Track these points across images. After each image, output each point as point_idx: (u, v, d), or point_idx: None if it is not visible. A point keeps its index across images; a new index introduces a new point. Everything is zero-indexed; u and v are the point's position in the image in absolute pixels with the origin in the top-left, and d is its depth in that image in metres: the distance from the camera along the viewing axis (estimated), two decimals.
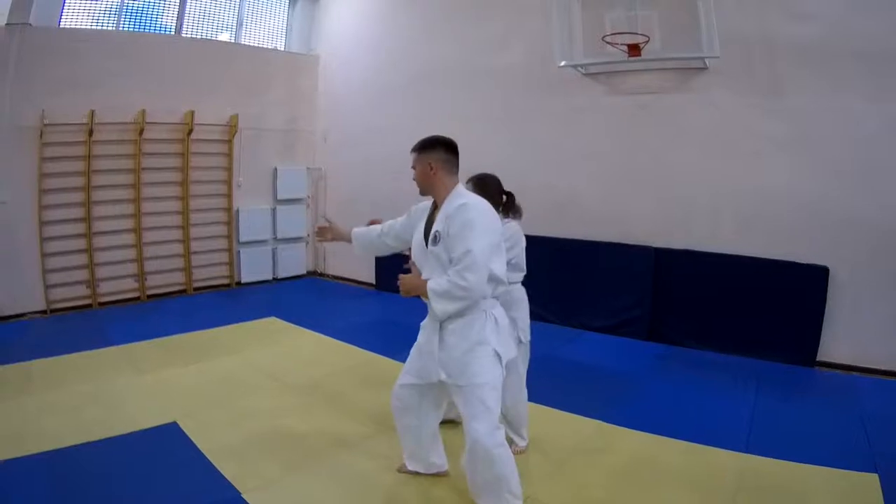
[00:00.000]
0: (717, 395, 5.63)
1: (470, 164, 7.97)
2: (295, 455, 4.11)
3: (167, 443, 4.21)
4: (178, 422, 4.49)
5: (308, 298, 9.31)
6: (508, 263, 3.48)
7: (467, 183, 3.78)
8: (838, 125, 6.24)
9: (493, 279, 3.19)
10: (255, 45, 10.13)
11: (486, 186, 3.93)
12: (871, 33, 5.99)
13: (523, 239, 4.04)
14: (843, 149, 6.22)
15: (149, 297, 8.50)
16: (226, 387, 5.31)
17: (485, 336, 3.16)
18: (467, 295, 3.04)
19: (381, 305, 8.96)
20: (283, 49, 10.55)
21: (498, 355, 3.19)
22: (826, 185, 6.31)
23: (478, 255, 3.01)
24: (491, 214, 3.25)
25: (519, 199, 4.06)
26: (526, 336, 4.11)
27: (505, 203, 4.04)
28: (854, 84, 6.12)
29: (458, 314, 3.17)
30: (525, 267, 4.07)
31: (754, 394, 5.65)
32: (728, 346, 6.74)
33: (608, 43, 6.75)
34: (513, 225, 4.01)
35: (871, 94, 6.04)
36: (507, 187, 3.96)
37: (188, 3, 9.13)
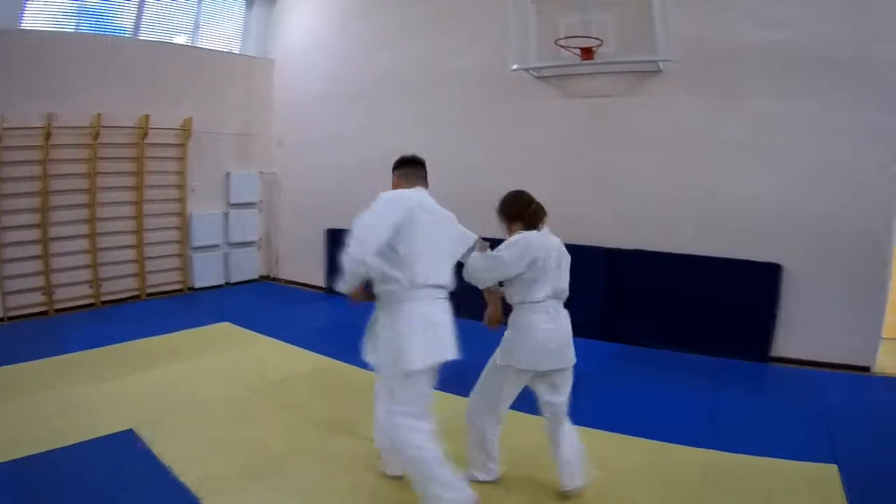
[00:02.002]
0: (675, 392, 5.74)
1: (427, 167, 8.00)
2: (252, 460, 4.12)
3: (125, 450, 4.18)
4: (134, 429, 4.45)
5: (261, 303, 9.36)
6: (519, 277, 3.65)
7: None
8: (793, 128, 6.52)
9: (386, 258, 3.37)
10: (212, 48, 10.07)
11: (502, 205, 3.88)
12: (834, 40, 6.25)
13: (531, 252, 3.62)
14: (798, 151, 6.51)
15: (103, 302, 8.44)
16: (182, 393, 5.30)
17: (397, 331, 3.35)
18: (345, 261, 3.27)
19: (332, 309, 9.03)
20: (239, 52, 10.50)
21: (404, 353, 3.31)
22: (780, 186, 6.58)
23: (356, 227, 3.25)
24: (394, 200, 3.44)
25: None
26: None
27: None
28: (813, 89, 6.40)
29: (384, 308, 3.46)
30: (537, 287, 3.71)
31: (711, 390, 5.80)
32: (683, 344, 6.91)
33: (561, 46, 6.94)
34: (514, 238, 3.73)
35: (830, 99, 6.34)
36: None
37: (146, 4, 9.05)
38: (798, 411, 5.29)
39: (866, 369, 6.36)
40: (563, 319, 3.73)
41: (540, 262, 3.60)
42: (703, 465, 4.24)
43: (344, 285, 3.40)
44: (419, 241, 3.42)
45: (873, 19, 6.17)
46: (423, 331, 3.38)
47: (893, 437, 4.80)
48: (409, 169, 3.76)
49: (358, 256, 3.25)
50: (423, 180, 3.78)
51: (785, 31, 6.46)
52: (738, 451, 4.40)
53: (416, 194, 3.57)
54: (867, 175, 6.24)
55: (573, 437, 3.76)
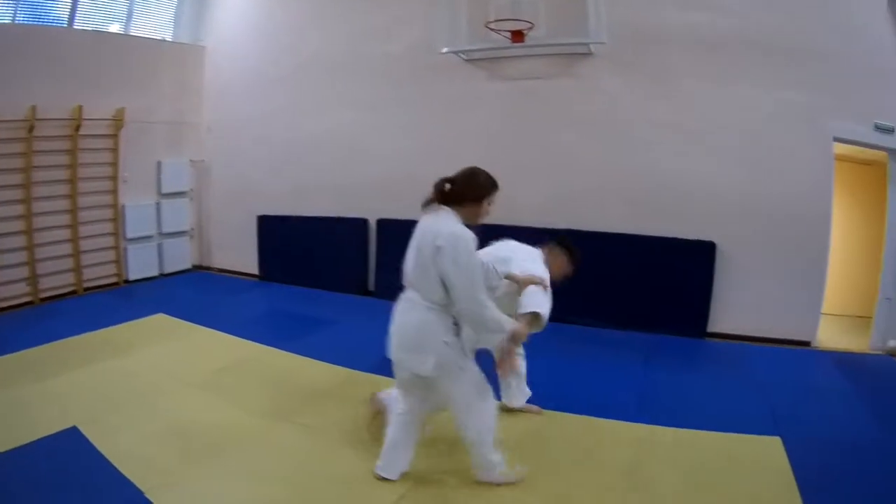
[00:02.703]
0: (608, 368, 5.90)
1: (356, 151, 8.33)
2: (193, 450, 4.21)
3: (69, 449, 4.20)
4: (78, 426, 4.47)
5: (195, 293, 9.39)
6: None
7: None
8: (725, 111, 6.81)
9: None
10: (144, 35, 9.98)
11: None
12: (762, 24, 6.55)
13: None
14: (728, 130, 6.81)
15: (42, 300, 8.35)
16: (122, 387, 5.32)
17: None
18: None
19: (265, 296, 9.22)
20: (171, 40, 10.44)
21: None
22: (712, 164, 6.88)
23: None
24: None
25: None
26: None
27: None
28: (743, 72, 6.69)
29: None
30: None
31: (646, 365, 5.97)
32: (618, 322, 7.13)
33: (491, 30, 7.03)
34: None
35: (760, 82, 6.64)
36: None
37: None
38: (737, 385, 5.46)
39: (806, 344, 6.71)
40: (412, 315, 3.56)
41: (410, 245, 3.58)
42: (637, 439, 4.37)
43: None
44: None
45: (799, 2, 6.49)
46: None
47: (836, 410, 4.98)
48: None
49: None
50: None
51: (711, 15, 6.75)
52: (675, 425, 4.54)
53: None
54: (802, 155, 6.58)
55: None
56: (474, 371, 3.64)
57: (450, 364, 3.50)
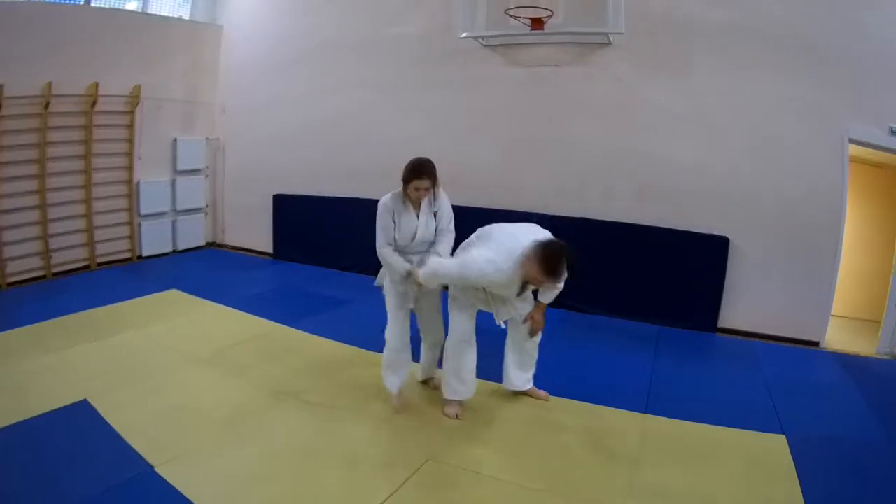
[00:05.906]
0: (618, 357, 5.91)
1: (368, 133, 8.35)
2: (203, 426, 4.28)
3: (79, 422, 4.26)
4: (88, 400, 4.53)
5: (208, 269, 9.41)
6: None
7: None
8: (739, 103, 6.74)
9: None
10: (160, 14, 9.96)
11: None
12: (780, 19, 6.48)
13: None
14: (745, 126, 6.73)
15: (54, 274, 8.40)
16: (132, 362, 5.38)
17: None
18: None
19: (278, 274, 9.25)
20: (187, 18, 10.43)
21: None
22: (727, 160, 6.81)
23: None
24: None
25: None
26: None
27: None
28: (762, 69, 6.61)
29: None
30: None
31: (655, 357, 5.96)
32: (629, 313, 7.13)
33: (511, 16, 6.97)
34: None
35: (778, 80, 6.56)
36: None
37: None
38: (745, 381, 5.45)
39: (815, 344, 6.63)
40: None
41: None
42: (642, 429, 4.40)
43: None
44: None
45: (821, 1, 6.37)
46: None
47: (841, 411, 4.96)
48: None
49: None
50: None
51: (732, 9, 6.67)
52: (681, 418, 4.57)
53: None
54: (817, 155, 6.48)
55: None
56: (392, 296, 4.55)
57: (383, 284, 4.67)
